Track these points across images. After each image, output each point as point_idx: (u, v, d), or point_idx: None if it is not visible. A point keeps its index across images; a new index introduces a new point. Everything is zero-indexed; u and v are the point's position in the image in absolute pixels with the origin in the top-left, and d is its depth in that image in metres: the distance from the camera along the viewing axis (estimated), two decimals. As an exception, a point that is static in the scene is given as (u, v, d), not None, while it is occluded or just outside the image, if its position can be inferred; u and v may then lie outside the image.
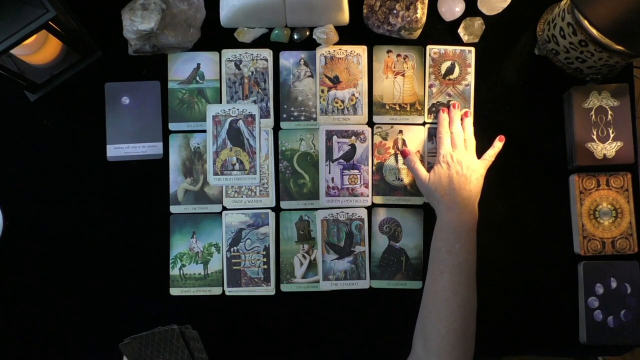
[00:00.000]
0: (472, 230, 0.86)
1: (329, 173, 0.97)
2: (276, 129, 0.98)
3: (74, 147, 0.97)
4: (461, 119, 0.95)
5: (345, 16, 0.97)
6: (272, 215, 0.96)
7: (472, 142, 0.93)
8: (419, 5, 0.94)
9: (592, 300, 0.93)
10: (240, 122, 0.97)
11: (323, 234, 0.96)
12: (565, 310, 0.95)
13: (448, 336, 0.80)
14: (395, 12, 0.94)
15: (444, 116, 0.95)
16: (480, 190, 0.89)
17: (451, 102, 0.97)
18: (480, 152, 0.93)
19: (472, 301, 0.83)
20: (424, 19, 0.95)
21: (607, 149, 0.93)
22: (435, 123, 0.97)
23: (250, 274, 0.95)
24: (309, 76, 0.98)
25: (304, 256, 0.96)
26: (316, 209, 0.97)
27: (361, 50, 0.98)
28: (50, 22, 0.81)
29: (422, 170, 0.92)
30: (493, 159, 0.92)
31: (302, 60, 0.98)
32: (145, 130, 0.97)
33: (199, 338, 0.90)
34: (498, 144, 0.93)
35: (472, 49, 0.98)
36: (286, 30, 0.98)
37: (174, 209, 0.96)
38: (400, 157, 0.97)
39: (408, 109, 0.98)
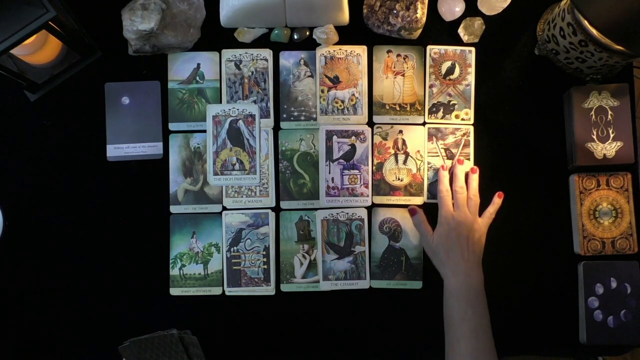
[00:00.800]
0: (481, 292, 0.86)
1: (329, 173, 0.97)
2: (276, 129, 0.98)
3: (74, 147, 0.97)
4: (466, 175, 0.93)
5: (345, 16, 0.97)
6: (272, 215, 0.96)
7: (475, 201, 0.91)
8: (419, 5, 0.94)
9: (592, 300, 0.93)
10: (240, 122, 0.97)
11: (323, 234, 0.96)
12: (565, 310, 0.95)
13: None
14: (395, 12, 0.94)
15: (444, 173, 0.93)
16: (482, 248, 0.89)
17: (457, 159, 0.95)
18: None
19: None
20: (424, 19, 0.95)
21: (607, 149, 0.93)
22: (436, 124, 0.97)
23: (250, 274, 0.95)
24: (309, 76, 0.98)
25: (304, 256, 0.96)
26: (316, 209, 0.96)
27: (361, 50, 0.98)
28: (50, 22, 0.81)
29: (428, 229, 0.91)
30: (494, 216, 0.92)
31: (302, 60, 0.98)
32: (145, 130, 0.97)
33: (198, 344, 0.89)
34: (497, 201, 0.92)
35: (472, 49, 0.98)
36: (286, 30, 0.98)
37: (174, 209, 0.96)
38: (400, 157, 0.97)
39: (408, 109, 0.98)
